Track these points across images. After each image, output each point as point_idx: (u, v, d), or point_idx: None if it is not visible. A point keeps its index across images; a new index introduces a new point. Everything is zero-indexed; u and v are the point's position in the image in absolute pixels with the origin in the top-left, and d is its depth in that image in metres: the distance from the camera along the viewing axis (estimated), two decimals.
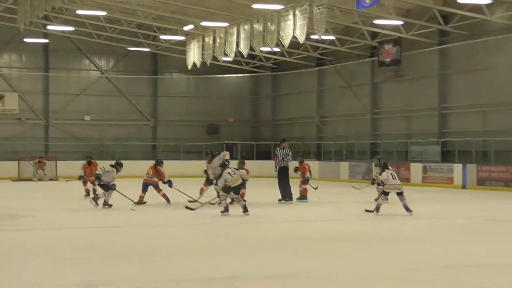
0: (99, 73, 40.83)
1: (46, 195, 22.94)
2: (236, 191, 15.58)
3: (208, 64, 33.39)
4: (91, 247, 11.12)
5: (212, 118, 41.99)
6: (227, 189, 15.41)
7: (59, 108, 39.69)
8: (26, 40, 37.70)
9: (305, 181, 19.82)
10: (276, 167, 19.46)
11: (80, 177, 20.67)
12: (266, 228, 14.28)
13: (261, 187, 23.69)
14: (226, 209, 15.39)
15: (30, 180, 32.18)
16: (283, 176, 19.30)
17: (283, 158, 19.23)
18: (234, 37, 29.32)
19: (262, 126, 43.45)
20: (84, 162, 21.00)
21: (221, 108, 42.13)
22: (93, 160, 20.85)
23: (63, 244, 11.44)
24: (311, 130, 38.19)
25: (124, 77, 40.81)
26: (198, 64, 33.42)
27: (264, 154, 38.06)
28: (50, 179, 32.27)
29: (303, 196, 19.79)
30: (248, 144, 40.58)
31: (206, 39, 31.95)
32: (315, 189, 20.27)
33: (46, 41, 38.83)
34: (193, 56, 33.47)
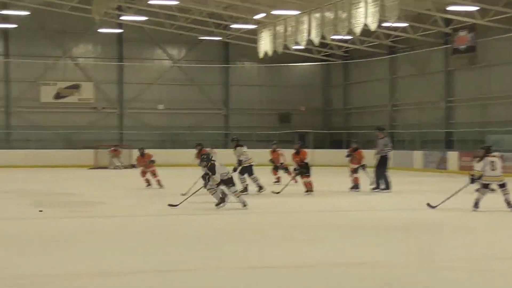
0: (171, 62, 41.30)
1: (120, 183, 23.38)
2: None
3: (279, 52, 33.36)
4: (163, 234, 11.29)
5: (283, 106, 41.97)
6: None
7: (132, 97, 40.37)
8: (100, 30, 38.45)
9: (357, 169, 19.16)
10: (376, 155, 19.22)
11: (132, 166, 20.99)
12: (333, 216, 14.22)
13: (333, 176, 23.60)
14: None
15: (106, 168, 32.89)
16: (380, 165, 19.04)
17: (382, 149, 19.07)
18: (305, 26, 29.19)
19: (333, 114, 43.21)
20: (138, 154, 21.30)
21: (293, 96, 42.03)
22: (145, 152, 21.11)
23: (135, 230, 11.65)
24: (383, 118, 37.74)
25: (196, 66, 41.16)
26: (269, 53, 33.46)
27: (336, 143, 37.84)
28: (125, 167, 32.88)
29: (355, 186, 19.18)
30: (320, 132, 40.46)
31: (277, 28, 31.92)
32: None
33: (120, 31, 39.50)
34: (265, 44, 33.51)
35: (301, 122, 41.29)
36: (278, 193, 17.98)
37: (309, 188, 17.94)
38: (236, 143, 18.83)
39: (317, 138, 39.82)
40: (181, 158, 31.91)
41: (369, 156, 19.57)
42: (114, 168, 32.82)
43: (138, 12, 36.31)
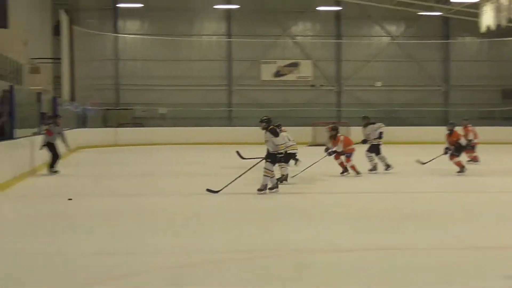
0: (389, 39, 40.88)
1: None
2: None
3: (503, 26, 31.83)
4: (385, 211, 11.32)
5: (507, 82, 40.04)
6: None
7: (350, 75, 40.54)
8: (319, 8, 38.94)
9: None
10: None
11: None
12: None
13: None
14: None
15: (323, 145, 33.23)
16: None
17: None
18: None
19: None
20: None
21: None
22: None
23: (356, 209, 11.76)
24: None
25: (414, 42, 40.41)
26: (492, 27, 32.04)
27: None
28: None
29: (461, 169, 17.71)
30: None
31: (501, 0, 30.46)
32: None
33: (338, 8, 39.72)
34: (487, 18, 32.15)
35: None
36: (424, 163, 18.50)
37: (460, 169, 17.51)
38: (368, 121, 18.69)
39: None
40: (399, 136, 31.59)
41: None
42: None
43: None
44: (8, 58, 25.58)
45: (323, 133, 34.29)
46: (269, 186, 13.37)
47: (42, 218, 10.57)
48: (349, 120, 35.76)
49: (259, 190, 13.19)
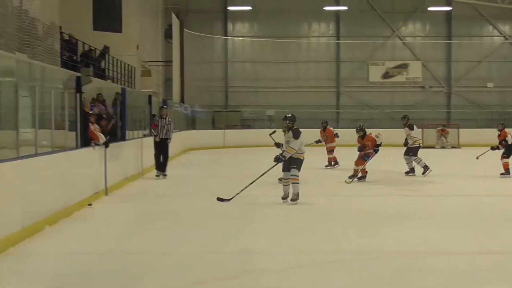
0: (503, 39, 39.64)
1: (447, 162, 23.12)
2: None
3: None
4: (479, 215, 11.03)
5: None
6: None
7: (460, 76, 39.59)
8: (430, 8, 38.25)
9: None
10: None
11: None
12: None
13: None
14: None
15: (433, 147, 32.67)
16: None
17: None
18: None
19: None
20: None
21: None
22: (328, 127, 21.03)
23: (465, 211, 11.49)
24: None
25: None
26: None
27: None
28: (453, 147, 32.38)
29: (506, 171, 17.36)
30: None
31: None
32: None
33: (449, 8, 38.88)
34: None
35: None
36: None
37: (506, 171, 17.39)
38: (407, 121, 18.25)
39: None
40: None
41: None
42: (441, 148, 32.49)
43: None
44: (121, 61, 26.43)
45: (432, 135, 33.78)
46: (292, 197, 12.16)
47: (152, 218, 10.86)
48: (459, 122, 34.96)
49: (292, 200, 12.06)
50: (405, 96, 39.46)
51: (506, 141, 17.62)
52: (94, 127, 12.98)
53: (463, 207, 12.10)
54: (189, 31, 35.98)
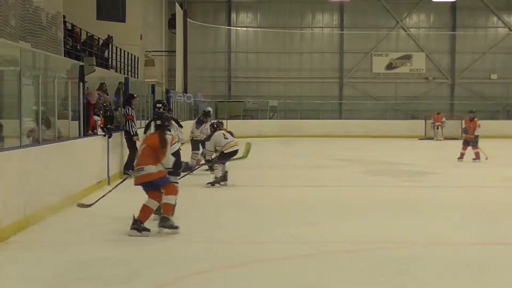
0: (507, 30, 39.52)
1: (449, 154, 23.11)
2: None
3: None
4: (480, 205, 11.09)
5: None
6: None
7: (464, 67, 39.51)
8: None
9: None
10: None
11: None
12: None
13: None
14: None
15: (428, 138, 32.40)
16: None
17: None
18: None
19: None
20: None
21: None
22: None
23: (467, 202, 11.48)
24: None
25: None
26: None
27: None
28: (445, 139, 32.05)
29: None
30: None
31: None
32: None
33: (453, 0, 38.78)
34: None
35: None
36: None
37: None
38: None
39: None
40: None
41: None
42: (440, 140, 32.24)
43: None
44: (124, 51, 26.42)
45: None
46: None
47: None
48: (463, 113, 34.88)
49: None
50: (408, 88, 39.41)
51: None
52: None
53: (465, 198, 12.10)
54: (192, 21, 35.92)
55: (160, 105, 10.08)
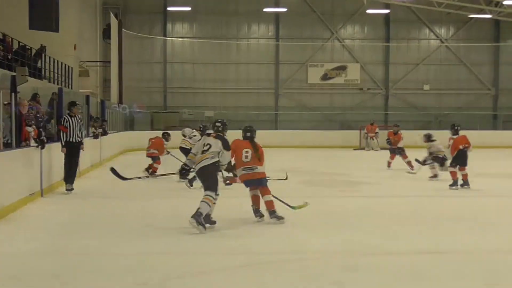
0: (439, 42, 40.40)
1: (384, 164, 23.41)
2: None
3: None
4: (416, 215, 11.25)
5: None
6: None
7: (398, 78, 40.20)
8: (369, 11, 38.70)
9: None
10: None
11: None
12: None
13: None
14: None
15: (362, 149, 32.77)
16: None
17: None
18: None
19: None
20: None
21: None
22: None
23: (402, 211, 11.62)
24: None
25: (464, 46, 39.89)
26: None
27: None
28: (382, 149, 32.49)
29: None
30: None
31: None
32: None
33: (387, 11, 39.41)
34: None
35: None
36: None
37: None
38: (429, 138, 17.67)
39: None
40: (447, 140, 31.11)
41: None
42: (376, 150, 32.70)
43: None
44: (58, 61, 25.99)
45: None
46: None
47: (89, 220, 10.67)
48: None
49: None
50: (343, 98, 39.85)
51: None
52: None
53: (399, 207, 12.24)
54: (128, 31, 35.61)
55: (219, 124, 10.67)
